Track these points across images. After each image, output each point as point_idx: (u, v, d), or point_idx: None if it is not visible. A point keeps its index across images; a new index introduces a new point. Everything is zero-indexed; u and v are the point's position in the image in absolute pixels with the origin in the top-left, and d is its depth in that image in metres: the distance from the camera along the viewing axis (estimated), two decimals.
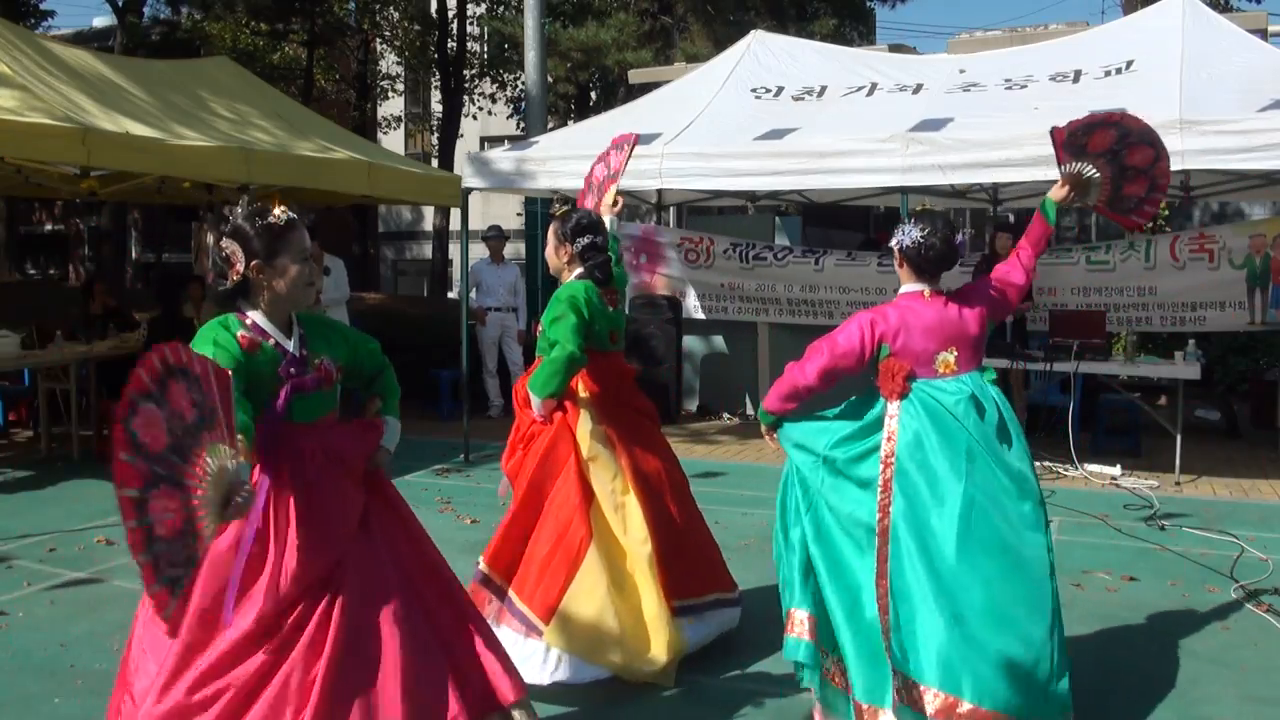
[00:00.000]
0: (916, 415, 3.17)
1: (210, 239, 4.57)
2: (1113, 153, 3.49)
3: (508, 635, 3.54)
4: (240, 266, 2.57)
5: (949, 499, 3.08)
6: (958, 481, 3.08)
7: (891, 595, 3.06)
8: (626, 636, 3.63)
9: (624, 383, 4.06)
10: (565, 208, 4.15)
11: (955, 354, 3.25)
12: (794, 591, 3.30)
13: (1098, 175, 3.51)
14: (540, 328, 3.86)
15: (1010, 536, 3.13)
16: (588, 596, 3.60)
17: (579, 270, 3.94)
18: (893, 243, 3.34)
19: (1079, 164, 3.51)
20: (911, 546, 3.06)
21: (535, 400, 3.80)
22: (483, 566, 3.80)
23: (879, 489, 3.15)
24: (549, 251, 4.02)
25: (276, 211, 2.60)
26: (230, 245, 2.58)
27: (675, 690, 3.69)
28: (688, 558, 3.88)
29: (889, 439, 3.19)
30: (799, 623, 3.28)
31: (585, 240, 3.95)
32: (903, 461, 3.15)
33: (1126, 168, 3.52)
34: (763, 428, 3.47)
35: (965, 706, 2.93)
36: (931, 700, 2.96)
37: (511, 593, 3.70)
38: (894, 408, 3.22)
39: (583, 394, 3.90)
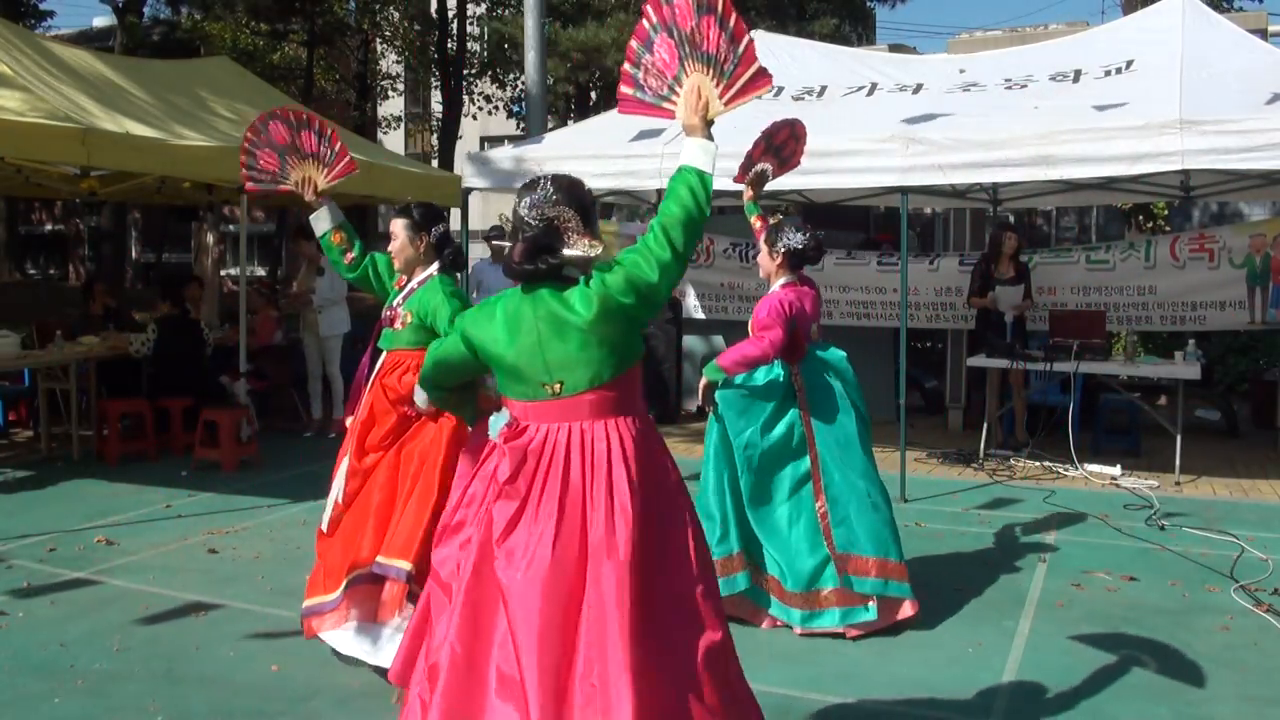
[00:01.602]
0: (814, 371, 4.38)
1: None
2: (772, 148, 4.75)
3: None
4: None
5: (845, 427, 4.37)
6: (846, 415, 4.39)
7: (829, 505, 4.27)
8: None
9: None
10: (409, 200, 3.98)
11: (816, 326, 4.51)
12: (730, 537, 4.28)
13: (767, 167, 4.79)
14: (405, 320, 3.80)
15: (868, 447, 4.46)
16: None
17: (436, 263, 3.88)
18: (780, 245, 4.36)
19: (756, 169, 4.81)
20: (833, 469, 4.30)
21: (423, 393, 3.33)
22: (405, 566, 3.60)
23: (805, 439, 4.31)
24: (399, 245, 3.87)
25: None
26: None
27: None
28: None
29: (800, 391, 4.33)
30: (738, 560, 4.27)
31: (440, 230, 3.90)
32: (815, 408, 4.33)
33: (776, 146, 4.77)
34: (706, 381, 4.25)
35: (891, 562, 4.26)
36: (871, 565, 4.22)
37: (413, 584, 3.60)
38: (797, 368, 4.35)
39: None
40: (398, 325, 3.86)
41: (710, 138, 2.56)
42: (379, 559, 3.66)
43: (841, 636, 4.22)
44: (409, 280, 3.92)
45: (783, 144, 4.83)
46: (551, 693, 2.29)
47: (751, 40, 2.62)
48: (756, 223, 4.68)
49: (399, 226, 3.89)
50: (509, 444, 2.50)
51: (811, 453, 4.30)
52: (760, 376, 4.32)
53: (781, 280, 4.38)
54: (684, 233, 2.46)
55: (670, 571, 2.44)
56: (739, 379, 4.31)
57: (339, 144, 4.33)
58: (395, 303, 3.92)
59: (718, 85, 2.60)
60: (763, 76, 2.63)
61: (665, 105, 2.70)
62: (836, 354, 4.53)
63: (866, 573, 4.21)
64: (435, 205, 4.03)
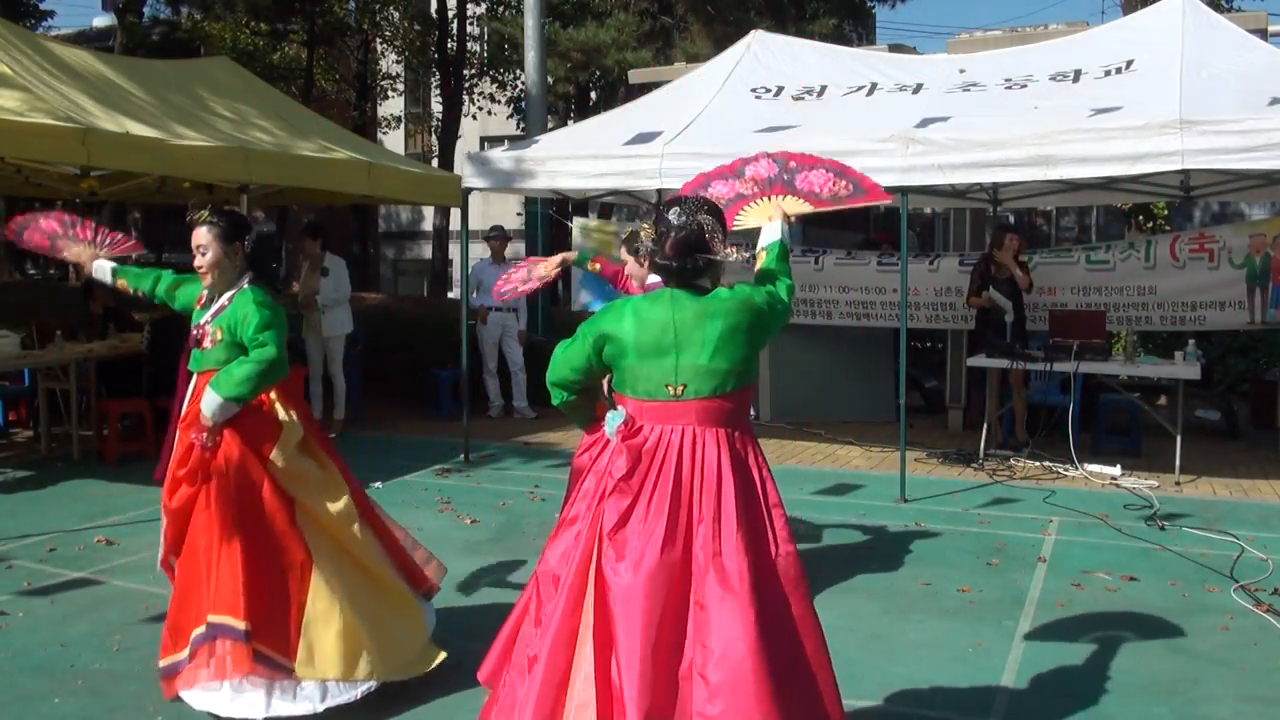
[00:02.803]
0: None
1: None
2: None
3: (257, 683, 3.38)
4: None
5: None
6: None
7: None
8: (378, 641, 3.56)
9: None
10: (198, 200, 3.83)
11: None
12: None
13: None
14: (215, 338, 3.55)
15: None
16: (325, 619, 3.47)
17: (248, 275, 3.63)
18: (644, 250, 4.09)
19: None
20: None
21: (217, 402, 3.43)
22: (239, 625, 3.38)
23: None
24: (213, 259, 3.57)
25: None
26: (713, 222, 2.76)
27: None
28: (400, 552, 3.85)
29: None
30: None
31: (253, 238, 3.64)
32: None
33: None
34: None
35: None
36: None
37: (262, 645, 3.40)
38: None
39: (280, 409, 3.64)
40: (207, 344, 3.58)
41: (789, 223, 3.05)
42: (209, 617, 3.42)
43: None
44: (220, 295, 3.62)
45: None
46: (649, 685, 2.41)
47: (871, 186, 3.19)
48: (596, 265, 4.95)
49: (209, 238, 3.55)
50: (626, 442, 2.62)
51: None
52: None
53: (651, 278, 4.38)
54: (793, 281, 2.88)
55: (765, 583, 2.55)
56: None
57: (115, 236, 4.15)
58: (204, 320, 3.61)
59: (813, 201, 3.14)
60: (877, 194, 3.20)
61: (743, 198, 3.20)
62: None
63: None
64: (239, 212, 3.89)
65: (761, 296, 2.73)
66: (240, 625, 3.36)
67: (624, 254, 4.63)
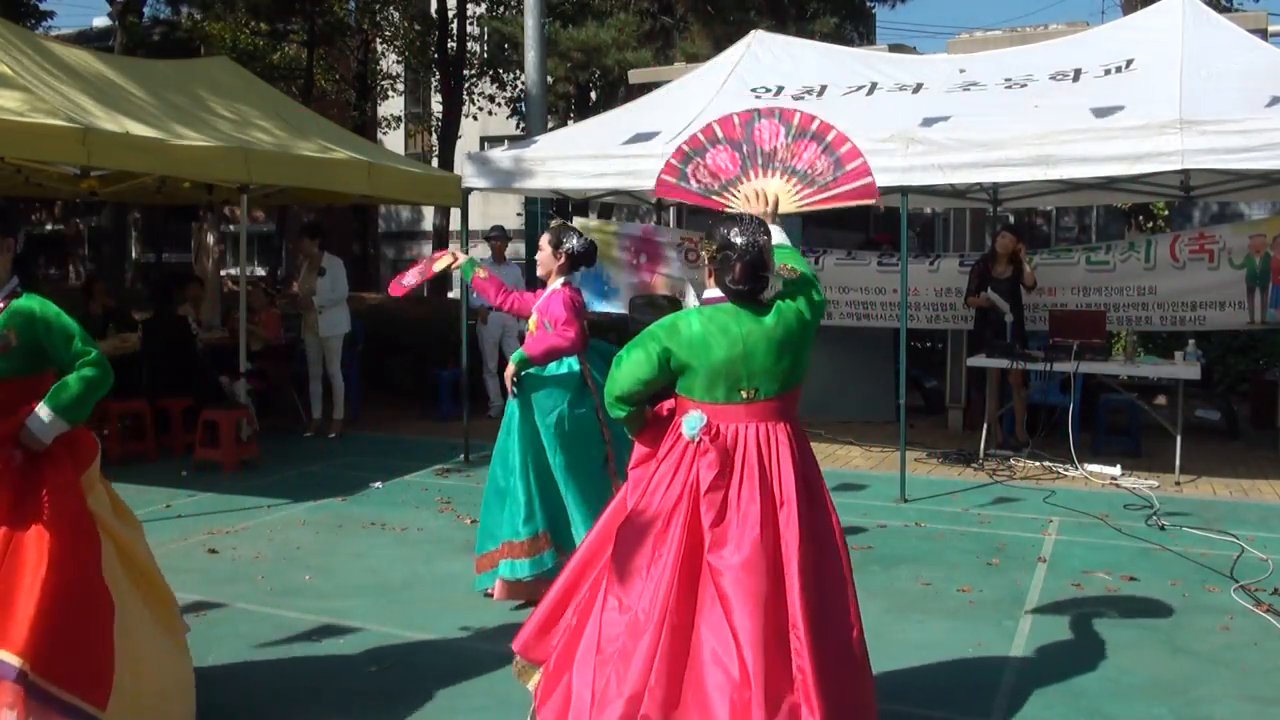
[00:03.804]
0: (593, 361, 4.66)
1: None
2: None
3: None
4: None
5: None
6: None
7: (619, 475, 4.49)
8: (180, 682, 3.31)
9: None
10: None
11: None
12: (535, 517, 4.54)
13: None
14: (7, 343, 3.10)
15: None
16: (132, 662, 3.12)
17: (17, 275, 3.19)
18: (565, 247, 4.67)
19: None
20: (624, 455, 4.35)
21: (59, 425, 3.09)
22: (13, 662, 2.91)
23: (600, 424, 4.60)
24: None
25: None
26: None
27: None
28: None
29: (588, 379, 4.63)
30: (543, 540, 4.54)
31: (23, 234, 3.29)
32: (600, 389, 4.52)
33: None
34: (514, 367, 4.52)
35: None
36: None
37: (52, 687, 2.96)
38: (583, 358, 4.65)
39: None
40: None
41: (778, 224, 3.22)
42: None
43: None
44: None
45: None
46: (763, 649, 2.72)
47: (863, 163, 3.32)
48: (482, 272, 5.05)
49: None
50: (714, 443, 2.92)
51: (606, 435, 4.64)
52: (555, 367, 4.65)
53: (561, 280, 4.69)
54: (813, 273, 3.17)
55: (826, 557, 2.95)
56: (536, 369, 4.62)
57: None
58: None
59: (800, 189, 3.33)
60: (867, 193, 3.32)
61: (713, 197, 3.40)
62: (609, 350, 4.88)
63: None
64: (5, 205, 3.46)
65: (806, 305, 3.05)
66: (15, 662, 2.91)
67: (545, 244, 4.75)
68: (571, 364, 4.67)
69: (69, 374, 3.14)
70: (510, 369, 4.58)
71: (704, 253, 3.04)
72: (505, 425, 4.71)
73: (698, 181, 3.42)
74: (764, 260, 2.95)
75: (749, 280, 2.93)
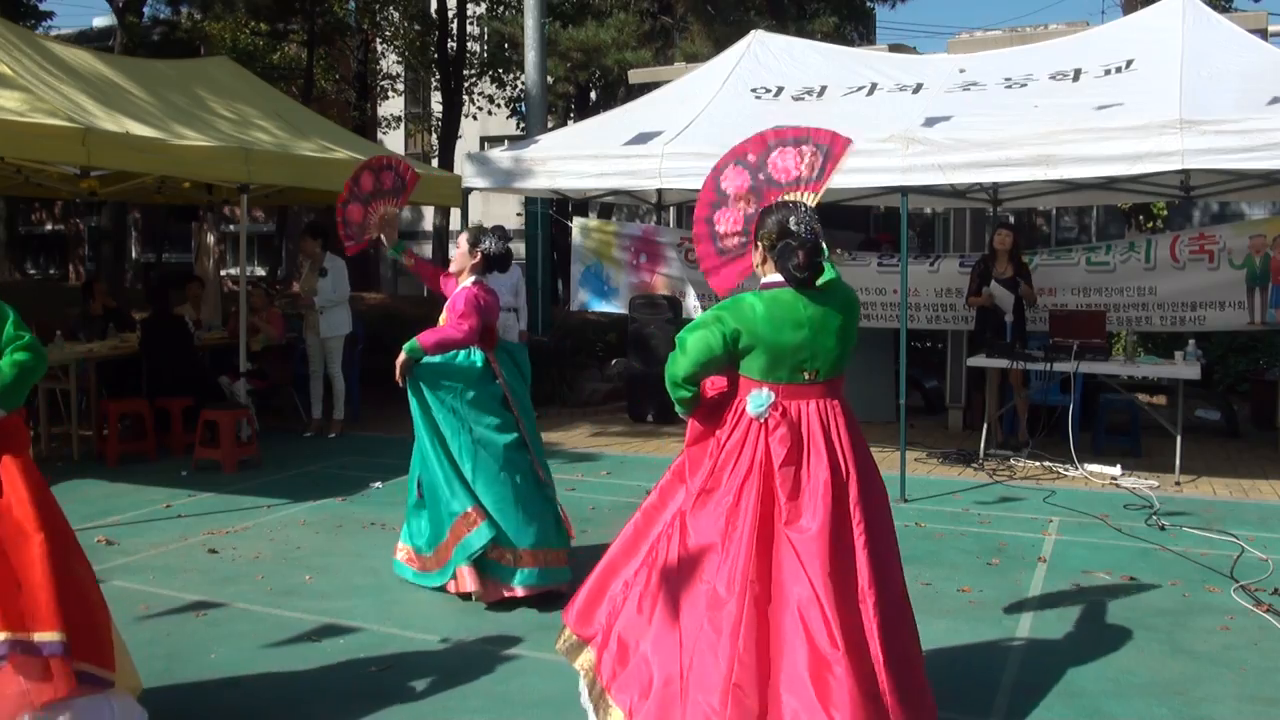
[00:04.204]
0: (503, 362, 4.86)
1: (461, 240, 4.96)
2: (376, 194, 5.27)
3: (87, 706, 2.98)
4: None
5: (530, 416, 4.94)
6: (527, 410, 4.93)
7: (540, 464, 4.87)
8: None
9: None
10: None
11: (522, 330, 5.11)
12: (458, 498, 4.62)
13: (393, 210, 5.15)
14: None
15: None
16: (106, 619, 3.13)
17: None
18: (481, 248, 4.83)
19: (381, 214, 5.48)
20: (530, 430, 4.88)
21: None
22: (56, 638, 2.89)
23: (511, 412, 4.79)
24: None
25: None
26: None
27: None
28: None
29: (498, 376, 4.79)
30: (474, 514, 4.59)
31: None
32: (510, 386, 4.83)
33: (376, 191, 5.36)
34: (405, 356, 4.62)
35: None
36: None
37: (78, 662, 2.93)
38: (491, 355, 4.80)
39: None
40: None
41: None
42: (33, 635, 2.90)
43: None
44: None
45: (379, 185, 5.42)
46: (839, 603, 2.92)
47: (831, 136, 3.33)
48: (410, 260, 5.42)
49: None
50: (784, 420, 3.09)
51: (520, 425, 4.81)
52: (461, 358, 4.79)
53: (472, 278, 4.85)
54: None
55: (882, 523, 3.18)
56: (438, 359, 4.75)
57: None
58: None
59: (803, 189, 3.34)
60: (839, 142, 3.32)
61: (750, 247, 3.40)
62: (518, 349, 5.16)
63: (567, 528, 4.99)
64: None
65: (854, 294, 3.32)
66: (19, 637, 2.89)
67: (462, 242, 4.90)
68: (475, 358, 4.77)
69: (2, 359, 3.16)
70: (402, 357, 4.65)
71: (762, 242, 3.15)
72: (413, 413, 4.79)
73: (732, 249, 3.46)
74: (821, 246, 3.09)
75: (811, 266, 3.07)
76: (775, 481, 3.03)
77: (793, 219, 3.08)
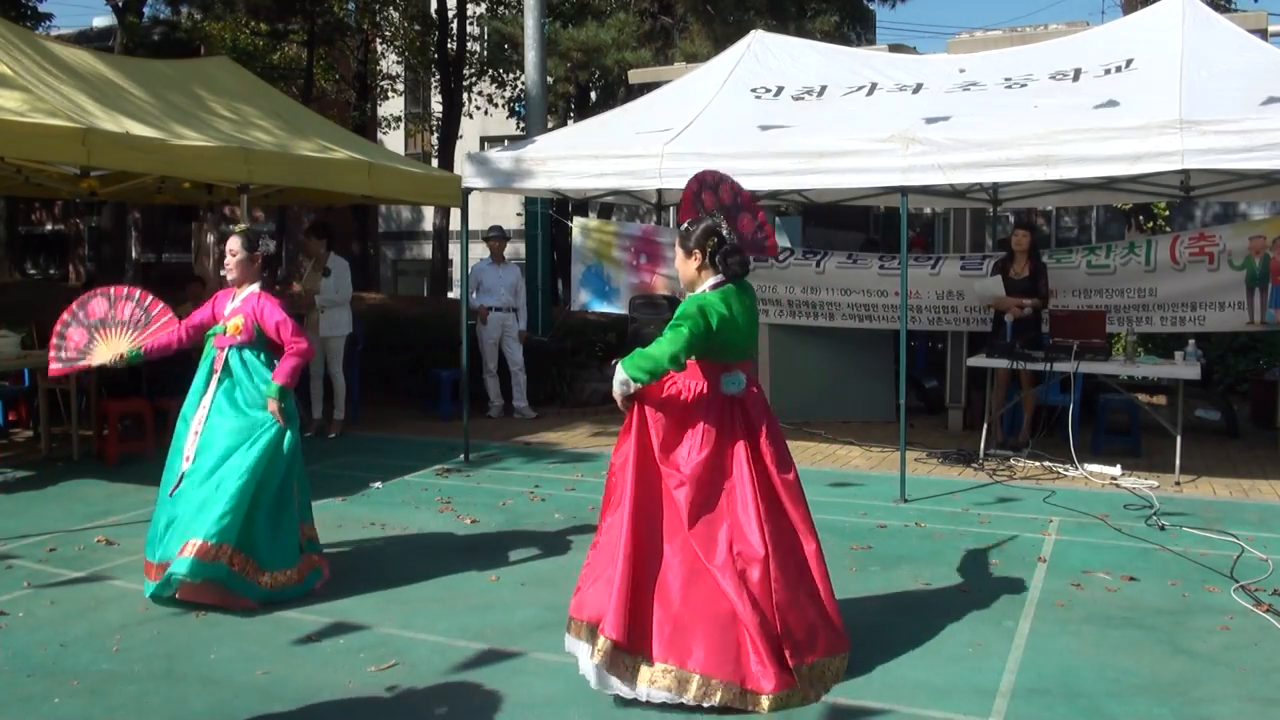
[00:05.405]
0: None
1: (211, 239, 4.81)
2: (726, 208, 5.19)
3: None
4: None
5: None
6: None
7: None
8: None
9: None
10: None
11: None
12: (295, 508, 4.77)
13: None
14: None
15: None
16: None
17: None
18: (259, 252, 4.81)
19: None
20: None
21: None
22: None
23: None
24: None
25: None
26: None
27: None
28: None
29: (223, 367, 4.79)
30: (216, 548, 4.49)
31: None
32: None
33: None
34: (279, 404, 4.65)
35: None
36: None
37: None
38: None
39: None
40: None
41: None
42: None
43: None
44: None
45: (113, 314, 5.19)
46: (761, 533, 3.61)
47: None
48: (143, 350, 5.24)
49: None
50: (755, 392, 3.84)
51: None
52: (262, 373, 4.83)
53: (256, 285, 4.82)
54: None
55: (791, 475, 3.83)
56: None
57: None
58: None
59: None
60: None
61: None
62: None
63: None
64: None
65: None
66: None
67: (237, 247, 4.81)
68: (209, 358, 4.80)
69: None
70: (274, 406, 4.64)
71: (698, 249, 3.73)
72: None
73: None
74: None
75: (747, 263, 3.79)
76: (761, 440, 3.73)
77: (722, 227, 3.77)
